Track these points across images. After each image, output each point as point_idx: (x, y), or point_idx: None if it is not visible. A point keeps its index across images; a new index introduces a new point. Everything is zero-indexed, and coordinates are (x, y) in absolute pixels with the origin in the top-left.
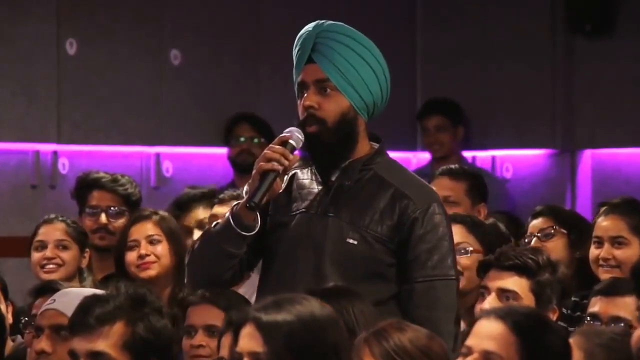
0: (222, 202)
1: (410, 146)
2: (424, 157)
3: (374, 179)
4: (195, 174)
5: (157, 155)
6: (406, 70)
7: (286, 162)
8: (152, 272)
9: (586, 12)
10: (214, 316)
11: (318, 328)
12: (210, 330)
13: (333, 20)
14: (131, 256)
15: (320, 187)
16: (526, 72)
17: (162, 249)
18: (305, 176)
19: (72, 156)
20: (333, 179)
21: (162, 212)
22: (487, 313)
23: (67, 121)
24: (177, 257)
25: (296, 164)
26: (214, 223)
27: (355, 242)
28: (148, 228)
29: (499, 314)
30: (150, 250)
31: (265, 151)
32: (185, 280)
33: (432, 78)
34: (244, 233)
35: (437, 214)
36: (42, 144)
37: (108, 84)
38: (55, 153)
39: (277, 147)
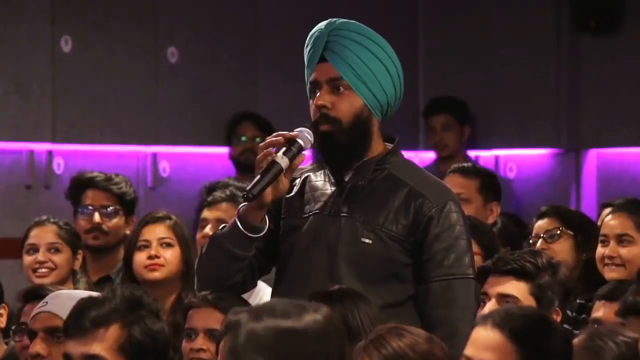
0: (210, 205)
1: (413, 145)
2: (427, 156)
3: (388, 179)
4: (193, 174)
5: (154, 155)
6: (408, 68)
7: (281, 139)
8: (158, 274)
9: (591, 9)
10: (216, 320)
11: (298, 340)
12: (211, 334)
13: (334, 17)
14: (140, 256)
15: (333, 188)
16: (530, 69)
17: (173, 254)
18: (318, 178)
19: (67, 156)
20: (346, 179)
21: (174, 217)
22: (484, 319)
23: (62, 120)
24: (185, 265)
25: (309, 167)
26: (222, 226)
27: (370, 242)
28: (161, 230)
29: (496, 320)
30: (161, 253)
31: (260, 144)
32: (195, 287)
33: (435, 76)
34: (251, 235)
35: (454, 212)
36: (37, 143)
37: (104, 82)
38: (49, 153)
39: (270, 137)
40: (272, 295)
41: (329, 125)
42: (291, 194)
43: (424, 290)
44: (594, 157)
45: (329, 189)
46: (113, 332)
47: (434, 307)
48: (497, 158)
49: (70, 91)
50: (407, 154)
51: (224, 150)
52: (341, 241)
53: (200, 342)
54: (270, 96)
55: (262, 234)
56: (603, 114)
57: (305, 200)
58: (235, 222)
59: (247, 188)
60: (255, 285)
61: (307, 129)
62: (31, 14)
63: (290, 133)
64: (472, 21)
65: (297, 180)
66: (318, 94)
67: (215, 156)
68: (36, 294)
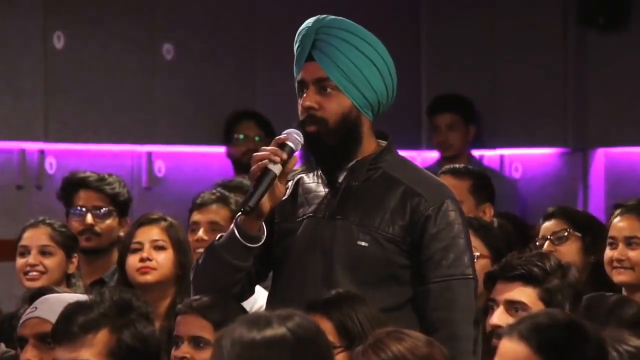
0: (200, 207)
1: (415, 145)
2: (429, 156)
3: (382, 178)
4: (189, 174)
5: (149, 154)
6: (410, 65)
7: (277, 158)
8: (150, 277)
9: (599, 4)
10: (201, 327)
11: (258, 352)
12: (196, 341)
13: (335, 14)
14: (132, 259)
15: (326, 190)
16: (536, 67)
17: (166, 257)
18: (311, 180)
19: (59, 155)
20: (340, 180)
21: (170, 219)
22: (511, 330)
23: (55, 118)
24: (180, 268)
25: (301, 169)
26: (218, 236)
27: (366, 244)
28: (154, 232)
29: (522, 332)
30: (154, 255)
31: (254, 154)
32: (174, 292)
33: (438, 74)
34: (249, 245)
35: (451, 210)
36: (28, 142)
37: (97, 80)
38: (42, 152)
39: (268, 147)
40: (268, 301)
41: (317, 126)
42: (284, 198)
43: (422, 291)
44: (601, 156)
45: (323, 191)
46: (102, 337)
47: (434, 309)
48: (502, 157)
49: (63, 89)
50: (409, 154)
51: (221, 149)
52: (336, 244)
53: (184, 349)
54: (269, 94)
55: (260, 243)
56: (611, 112)
57: (298, 203)
58: (232, 233)
59: (243, 201)
60: (252, 293)
61: (295, 130)
62: (23, 9)
63: (279, 136)
64: (477, 18)
65: (290, 183)
66: (305, 94)
67: (212, 156)
68: (42, 295)
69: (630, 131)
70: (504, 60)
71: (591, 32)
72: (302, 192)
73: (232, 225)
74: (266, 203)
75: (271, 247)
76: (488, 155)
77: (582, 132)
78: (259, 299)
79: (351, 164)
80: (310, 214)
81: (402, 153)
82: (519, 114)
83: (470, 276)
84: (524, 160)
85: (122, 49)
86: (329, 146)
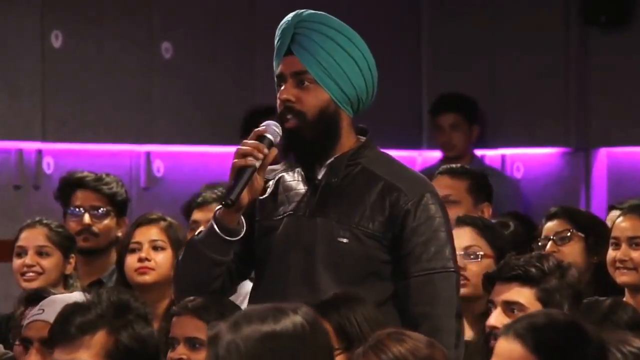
0: (200, 206)
1: (416, 144)
2: (430, 155)
3: (362, 174)
4: (188, 174)
5: (148, 154)
6: (411, 65)
7: (260, 155)
8: (148, 277)
9: (601, 3)
10: (196, 328)
11: (279, 342)
12: (192, 342)
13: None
14: (131, 259)
15: (306, 188)
16: (538, 66)
17: (165, 257)
18: (291, 178)
19: (57, 155)
20: (319, 177)
21: (169, 219)
22: (507, 330)
23: (52, 118)
24: None
25: (282, 167)
26: (198, 231)
27: (347, 241)
28: (153, 232)
29: (518, 331)
30: (152, 255)
31: (238, 147)
32: (173, 295)
33: (438, 74)
34: (228, 238)
35: (432, 204)
36: (26, 142)
37: (95, 79)
38: (39, 152)
39: (251, 141)
40: (250, 299)
41: (294, 119)
42: (265, 196)
43: (403, 286)
44: (603, 156)
45: (303, 188)
46: (100, 338)
47: (415, 304)
48: (503, 157)
49: (61, 88)
50: (410, 153)
51: (220, 149)
52: (317, 242)
53: (180, 351)
54: (269, 94)
55: (239, 236)
56: (613, 112)
57: (279, 201)
58: (211, 227)
59: (224, 195)
60: (235, 291)
61: (273, 122)
62: (20, 8)
63: (258, 129)
64: (478, 17)
65: (271, 182)
66: (282, 88)
67: (211, 155)
68: (39, 297)
69: (632, 131)
70: (505, 59)
71: (593, 31)
72: (282, 190)
73: (210, 220)
74: (245, 196)
75: (252, 245)
76: (489, 155)
77: (584, 131)
78: None
79: (330, 160)
80: (291, 212)
81: (403, 153)
82: (521, 114)
83: (452, 269)
84: (525, 160)
85: (120, 47)
86: (307, 141)
